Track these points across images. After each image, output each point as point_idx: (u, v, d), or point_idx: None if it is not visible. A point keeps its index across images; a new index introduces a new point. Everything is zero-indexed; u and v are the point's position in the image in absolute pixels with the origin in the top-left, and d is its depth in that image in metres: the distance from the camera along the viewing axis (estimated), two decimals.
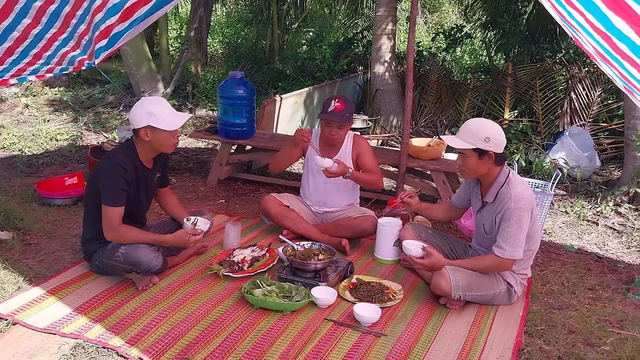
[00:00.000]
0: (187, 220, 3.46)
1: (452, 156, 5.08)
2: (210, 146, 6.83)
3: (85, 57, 4.71)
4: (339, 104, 3.93)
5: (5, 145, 6.44)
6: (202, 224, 3.47)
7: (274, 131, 6.12)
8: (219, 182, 5.50)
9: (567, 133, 6.07)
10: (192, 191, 5.28)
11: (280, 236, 3.75)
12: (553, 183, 4.66)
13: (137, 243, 3.24)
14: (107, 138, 6.90)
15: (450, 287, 3.19)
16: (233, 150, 5.63)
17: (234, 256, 3.66)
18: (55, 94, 9.18)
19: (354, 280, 3.54)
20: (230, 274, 3.49)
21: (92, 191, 3.31)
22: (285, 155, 4.16)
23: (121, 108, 8.22)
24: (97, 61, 4.87)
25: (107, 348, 2.79)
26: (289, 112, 6.40)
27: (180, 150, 6.63)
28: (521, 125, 6.83)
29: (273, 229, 4.26)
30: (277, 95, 6.19)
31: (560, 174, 4.85)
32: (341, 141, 4.08)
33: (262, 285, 3.23)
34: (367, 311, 3.10)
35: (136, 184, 3.34)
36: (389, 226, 3.86)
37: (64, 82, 9.66)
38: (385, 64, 7.45)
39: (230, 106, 5.21)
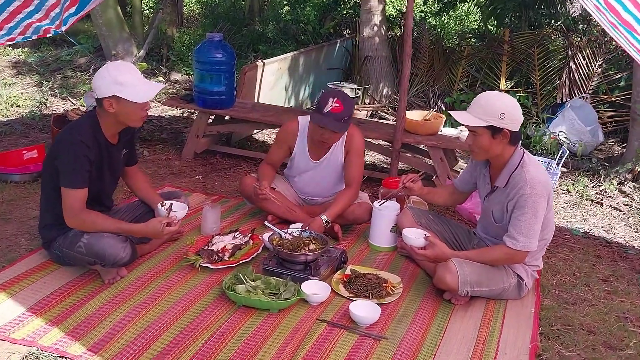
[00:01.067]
0: (162, 205, 3.04)
1: (451, 131, 4.70)
2: (186, 114, 6.34)
3: (52, 26, 4.26)
4: (337, 104, 3.34)
5: None
6: (179, 209, 3.06)
7: (256, 100, 5.66)
8: (196, 155, 5.05)
9: (568, 105, 5.72)
10: (165, 166, 4.83)
11: (266, 222, 3.35)
12: (559, 161, 4.31)
13: (102, 232, 2.82)
14: (74, 105, 6.37)
15: (457, 282, 2.85)
16: (211, 121, 5.17)
17: (212, 244, 3.25)
18: (19, 55, 8.54)
19: (348, 271, 3.17)
20: (209, 265, 3.09)
21: (50, 170, 2.86)
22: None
23: (90, 72, 7.63)
24: (64, 28, 4.41)
25: (66, 358, 2.40)
26: (272, 79, 5.93)
27: (153, 119, 6.14)
28: (518, 97, 6.45)
29: (256, 211, 3.86)
30: (259, 60, 5.70)
31: (568, 151, 4.52)
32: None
33: (246, 280, 2.84)
34: (365, 311, 2.74)
35: (99, 162, 2.90)
36: (385, 210, 3.48)
37: (29, 43, 8.99)
38: (375, 28, 6.98)
39: (208, 72, 4.73)
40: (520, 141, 2.95)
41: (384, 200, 3.40)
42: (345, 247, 3.53)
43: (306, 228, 3.37)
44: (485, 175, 3.07)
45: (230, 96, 4.89)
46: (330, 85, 6.43)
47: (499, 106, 2.79)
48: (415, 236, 3.07)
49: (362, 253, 3.51)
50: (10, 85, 7.08)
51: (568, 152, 4.72)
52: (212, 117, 5.08)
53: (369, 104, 6.96)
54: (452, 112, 3.00)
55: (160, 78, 7.56)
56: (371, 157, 5.36)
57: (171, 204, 3.04)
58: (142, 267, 3.08)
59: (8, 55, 8.54)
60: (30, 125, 5.70)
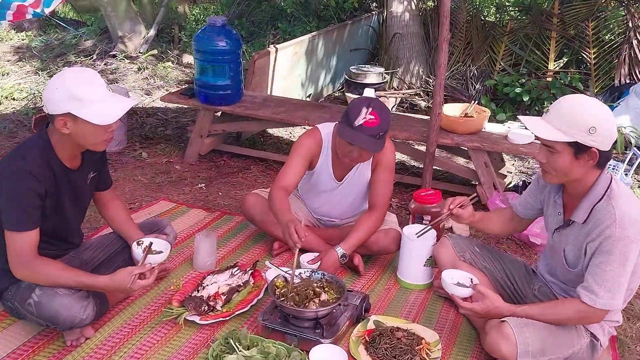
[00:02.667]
0: (138, 244, 2.42)
1: (497, 128, 3.95)
2: (193, 108, 5.71)
3: (27, 3, 3.68)
4: (372, 116, 2.62)
5: None
6: (160, 248, 2.44)
7: (269, 91, 4.98)
8: (200, 157, 4.42)
9: (632, 91, 4.89)
10: (164, 171, 4.21)
11: (267, 262, 2.70)
12: (630, 163, 3.53)
13: (57, 286, 2.21)
14: None
15: (516, 353, 2.16)
16: (218, 116, 4.52)
17: (203, 287, 2.63)
18: (22, 40, 7.99)
19: (370, 324, 2.52)
20: (195, 320, 2.47)
21: None
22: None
23: (95, 57, 7.04)
24: (47, 10, 3.82)
25: None
26: (287, 66, 5.23)
27: (158, 112, 5.53)
28: (569, 79, 5.64)
29: (261, 235, 3.21)
30: (272, 46, 5.00)
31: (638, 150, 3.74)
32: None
33: (237, 347, 2.21)
34: None
35: (56, 194, 2.28)
36: (418, 240, 2.80)
37: (35, 26, 8.43)
38: (405, 2, 6.19)
39: (209, 63, 4.07)
40: (609, 162, 2.22)
41: (422, 230, 2.70)
42: (368, 284, 2.87)
43: (317, 265, 2.72)
44: (557, 202, 2.36)
45: (237, 90, 4.22)
46: (352, 70, 5.69)
47: (589, 117, 2.07)
48: (458, 280, 2.40)
49: (390, 292, 2.85)
50: (7, 74, 6.53)
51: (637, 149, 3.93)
52: (219, 113, 4.43)
53: (398, 88, 6.21)
54: (523, 119, 2.27)
55: (169, 63, 6.91)
56: (399, 155, 4.64)
57: (150, 243, 2.42)
58: (114, 323, 2.47)
59: (11, 39, 8.00)
60: (22, 122, 5.14)
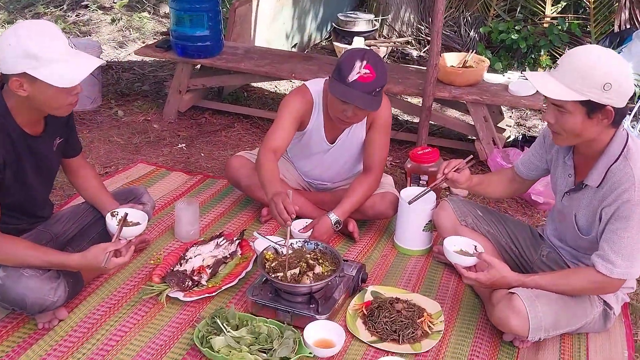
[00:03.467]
0: (112, 216, 2.20)
1: (496, 78, 3.71)
2: (171, 61, 5.37)
3: None
4: (367, 70, 2.37)
5: None
6: (136, 219, 2.21)
7: (252, 42, 4.67)
8: (180, 115, 4.15)
9: (635, 36, 4.64)
10: (142, 131, 3.94)
11: (255, 233, 2.49)
12: (637, 115, 3.34)
13: (23, 266, 2.00)
14: None
15: (527, 329, 2.01)
16: (198, 70, 4.23)
17: (186, 260, 2.43)
18: None
19: (368, 296, 2.34)
20: (179, 297, 2.28)
21: None
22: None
23: (65, 8, 6.60)
24: None
25: None
26: (271, 14, 4.89)
27: (134, 66, 5.20)
28: (567, 24, 5.37)
29: (248, 200, 3.00)
30: None
31: None
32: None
33: (225, 327, 2.03)
34: None
35: (17, 164, 2.04)
36: (416, 204, 2.59)
37: None
38: None
39: (186, 12, 3.76)
40: (625, 119, 2.01)
41: (416, 196, 2.49)
42: (364, 251, 2.69)
43: (309, 233, 2.53)
44: (567, 164, 2.15)
45: (217, 41, 3.92)
46: (340, 17, 5.37)
47: (603, 73, 1.84)
48: (460, 248, 2.22)
49: (387, 259, 2.67)
50: None
51: None
52: (199, 66, 4.14)
53: (388, 36, 5.91)
54: (529, 75, 2.03)
55: (145, 14, 6.51)
56: (394, 110, 4.39)
57: (126, 214, 2.20)
58: (90, 302, 2.27)
59: None
60: None
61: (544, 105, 3.24)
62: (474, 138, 3.59)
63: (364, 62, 2.40)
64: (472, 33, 5.66)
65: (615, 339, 2.22)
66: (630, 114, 3.42)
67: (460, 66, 3.61)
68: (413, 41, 5.78)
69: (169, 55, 3.98)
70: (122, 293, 2.33)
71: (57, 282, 2.03)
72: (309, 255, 2.31)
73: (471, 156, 2.42)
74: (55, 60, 1.87)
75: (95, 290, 2.33)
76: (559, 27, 5.33)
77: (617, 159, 1.97)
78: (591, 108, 1.88)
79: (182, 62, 3.94)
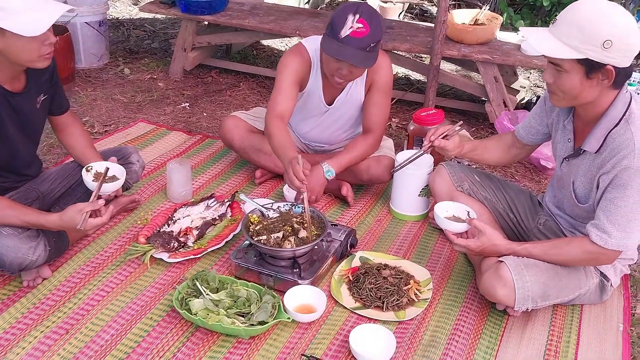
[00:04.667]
0: (87, 171, 2.16)
1: (509, 36, 3.53)
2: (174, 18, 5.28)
3: None
4: (360, 24, 2.26)
5: None
6: (116, 173, 2.17)
7: None
8: (186, 73, 4.09)
9: None
10: (146, 89, 3.89)
11: (241, 195, 2.43)
12: None
13: (3, 225, 1.99)
14: None
15: (513, 298, 1.93)
16: (205, 26, 4.14)
17: (174, 221, 2.40)
18: None
19: (356, 261, 2.29)
20: (163, 258, 2.25)
21: None
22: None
23: None
24: None
25: None
26: None
27: (145, 23, 5.12)
28: None
29: (246, 162, 2.94)
30: None
31: None
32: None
33: (204, 290, 2.00)
34: (371, 346, 1.88)
35: None
36: (411, 168, 2.50)
37: None
38: None
39: None
40: (629, 79, 1.87)
41: (400, 164, 2.38)
42: (358, 215, 2.62)
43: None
44: (567, 127, 2.03)
45: None
46: None
47: (603, 28, 1.70)
48: (453, 214, 2.13)
49: (381, 224, 2.59)
50: None
51: None
52: (206, 22, 4.05)
53: None
54: (525, 31, 1.90)
55: None
56: (402, 69, 4.25)
57: (107, 169, 2.15)
58: (75, 262, 2.26)
59: None
60: None
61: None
62: (486, 99, 3.44)
63: (357, 16, 2.28)
64: None
65: (611, 311, 2.13)
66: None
67: (472, 23, 3.44)
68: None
69: (173, 11, 3.89)
70: (108, 253, 2.32)
71: (36, 241, 2.02)
72: (295, 219, 2.25)
73: (460, 122, 2.31)
74: (21, 10, 1.82)
75: (81, 250, 2.32)
76: None
77: (618, 123, 1.84)
78: (590, 67, 1.75)
79: (186, 18, 3.85)
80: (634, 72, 3.26)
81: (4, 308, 2.04)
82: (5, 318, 1.99)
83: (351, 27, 2.28)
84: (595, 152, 1.89)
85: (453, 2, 5.50)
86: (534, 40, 1.81)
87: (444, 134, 2.24)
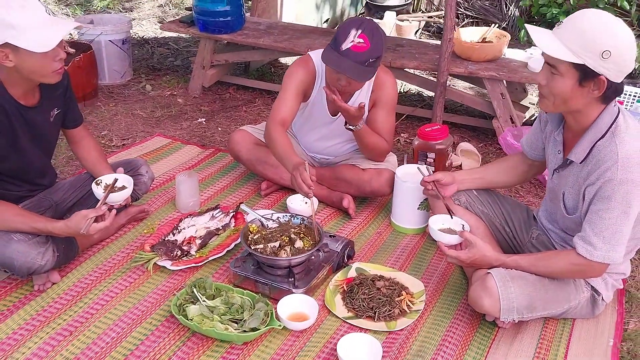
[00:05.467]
0: (97, 184, 2.28)
1: (517, 54, 3.57)
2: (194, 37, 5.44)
3: None
4: (360, 40, 2.33)
5: None
6: (122, 183, 2.27)
7: (278, 16, 4.67)
8: (205, 89, 4.23)
9: None
10: (165, 105, 4.04)
11: (242, 205, 2.52)
12: None
13: (12, 231, 2.11)
14: (71, 34, 5.54)
15: (498, 309, 1.96)
16: (225, 45, 4.28)
17: (178, 231, 2.50)
18: None
19: (352, 272, 2.34)
20: (166, 265, 2.35)
21: None
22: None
23: None
24: None
25: None
26: None
27: (169, 41, 5.31)
28: None
29: (254, 174, 3.03)
30: None
31: None
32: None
33: (200, 297, 2.08)
34: (357, 354, 1.93)
35: (11, 133, 2.15)
36: (410, 182, 2.56)
37: None
38: None
39: None
40: (619, 96, 1.91)
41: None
42: (358, 228, 2.68)
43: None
44: (557, 139, 2.07)
45: (238, 16, 3.95)
46: None
47: (606, 39, 1.75)
48: (449, 226, 2.18)
49: (381, 236, 2.65)
50: None
51: None
52: (225, 41, 4.18)
53: (426, 11, 5.77)
54: (530, 28, 1.93)
55: None
56: (413, 87, 4.30)
57: (115, 180, 2.26)
58: (84, 268, 2.38)
59: None
60: None
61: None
62: (492, 116, 3.48)
63: (359, 31, 2.36)
64: (512, 7, 5.44)
65: (603, 326, 2.14)
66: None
67: (480, 41, 3.49)
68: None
69: (192, 30, 4.04)
70: (115, 260, 2.43)
71: (45, 247, 2.14)
72: (293, 230, 2.33)
73: (450, 160, 2.35)
74: (32, 27, 1.94)
75: (90, 257, 2.44)
76: (605, 0, 5.03)
77: (604, 135, 1.87)
78: (585, 74, 1.79)
79: (204, 37, 4.00)
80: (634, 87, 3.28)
81: (15, 310, 2.16)
82: (15, 319, 2.11)
83: (352, 41, 2.35)
84: (581, 162, 1.92)
85: (471, 20, 5.55)
86: (539, 38, 1.85)
87: (439, 180, 2.30)
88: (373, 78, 2.56)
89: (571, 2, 5.08)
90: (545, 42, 1.82)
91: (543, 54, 1.86)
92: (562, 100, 1.87)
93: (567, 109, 1.91)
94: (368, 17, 3.91)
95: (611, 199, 1.83)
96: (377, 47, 2.39)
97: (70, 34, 4.59)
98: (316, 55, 2.65)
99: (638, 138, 1.85)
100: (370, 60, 2.39)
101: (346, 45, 2.36)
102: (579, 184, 1.95)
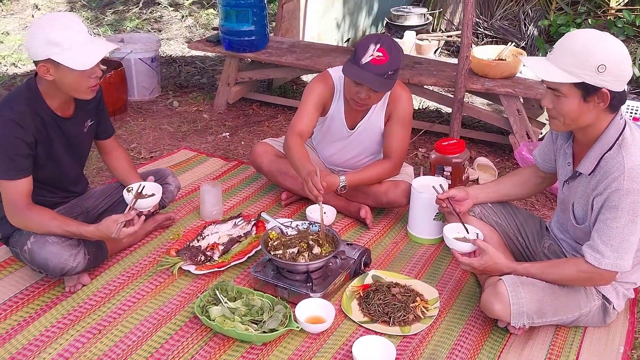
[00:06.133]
0: (128, 191, 2.40)
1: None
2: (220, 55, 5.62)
3: None
4: (380, 53, 2.46)
5: None
6: (152, 191, 2.39)
7: (301, 36, 4.81)
8: (229, 105, 4.37)
9: None
10: (192, 120, 4.19)
11: (263, 214, 2.62)
12: None
13: (48, 233, 2.24)
14: None
15: (509, 313, 2.03)
16: (249, 63, 4.44)
17: (203, 237, 2.61)
18: None
19: (369, 279, 2.42)
20: (190, 270, 2.46)
21: None
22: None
23: (141, 5, 7.05)
24: None
25: None
26: (320, 9, 5.02)
27: (196, 60, 5.49)
28: (633, 17, 5.12)
29: (275, 185, 3.14)
30: None
31: None
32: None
33: (222, 299, 2.18)
34: (371, 355, 2.00)
35: (48, 142, 2.29)
36: (426, 193, 2.64)
37: None
38: None
39: (233, 8, 3.96)
40: (623, 106, 1.98)
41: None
42: (376, 237, 2.76)
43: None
44: (567, 152, 2.14)
45: (262, 35, 4.10)
46: (393, 12, 5.41)
47: (597, 54, 1.83)
48: (464, 235, 2.25)
49: (397, 246, 2.73)
50: None
51: None
52: (250, 60, 4.34)
53: (446, 30, 5.87)
54: (525, 59, 2.04)
55: (212, 10, 6.81)
56: (431, 103, 4.40)
57: (143, 187, 2.38)
58: (112, 271, 2.50)
59: None
60: None
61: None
62: (509, 132, 3.55)
63: (378, 46, 2.48)
64: (531, 27, 5.52)
65: (613, 335, 2.18)
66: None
67: (497, 59, 3.58)
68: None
69: (217, 49, 4.20)
70: (142, 265, 2.55)
71: (77, 250, 2.26)
72: (311, 237, 2.42)
73: (466, 175, 2.43)
74: (74, 46, 2.09)
75: (118, 261, 2.56)
76: (624, 21, 5.10)
77: (611, 147, 1.94)
78: (586, 91, 1.87)
79: (230, 55, 4.15)
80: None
81: (47, 309, 2.28)
82: (47, 318, 2.23)
83: (372, 55, 2.47)
84: (590, 174, 1.99)
85: (490, 39, 5.64)
86: (535, 67, 1.95)
87: (454, 197, 2.37)
88: (388, 92, 2.67)
89: (589, 22, 5.18)
90: (542, 69, 1.91)
91: (543, 81, 1.95)
92: (571, 119, 1.94)
93: (577, 126, 1.98)
94: (386, 34, 4.03)
95: (618, 209, 1.89)
96: (395, 59, 2.50)
97: None
98: (335, 71, 2.77)
99: None
100: (390, 72, 2.50)
101: (366, 58, 2.47)
102: (587, 195, 2.02)
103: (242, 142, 3.87)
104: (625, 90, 1.94)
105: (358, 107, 2.68)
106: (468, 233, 2.26)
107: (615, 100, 1.91)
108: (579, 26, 5.14)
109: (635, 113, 3.39)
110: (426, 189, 2.66)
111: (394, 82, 2.58)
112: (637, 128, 2.00)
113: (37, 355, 2.06)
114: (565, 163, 2.15)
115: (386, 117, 2.77)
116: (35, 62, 2.15)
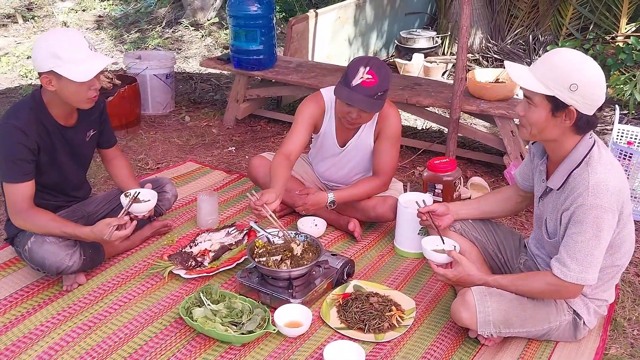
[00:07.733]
0: (125, 196, 2.54)
1: None
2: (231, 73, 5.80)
3: None
4: (369, 75, 2.58)
5: (23, 73, 5.80)
6: (147, 197, 2.52)
7: (310, 56, 4.97)
8: (238, 121, 4.53)
9: None
10: (201, 134, 4.35)
11: (251, 223, 2.74)
12: None
13: (46, 234, 2.40)
14: (123, 68, 5.94)
15: (475, 322, 2.10)
16: (259, 81, 4.60)
17: (195, 244, 2.73)
18: (105, 9, 8.44)
19: (350, 288, 2.51)
20: (180, 274, 2.58)
21: None
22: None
23: (164, 24, 7.31)
24: None
25: None
26: (329, 32, 5.18)
27: (212, 78, 5.69)
28: None
29: None
30: (312, 10, 4.96)
31: None
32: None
33: (206, 301, 2.30)
34: (340, 357, 2.09)
35: (51, 149, 2.45)
36: (412, 208, 2.73)
37: None
38: None
39: (242, 28, 4.12)
40: (592, 130, 2.06)
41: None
42: (362, 250, 2.86)
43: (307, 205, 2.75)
44: (541, 169, 2.23)
45: (270, 55, 4.25)
46: (402, 35, 5.54)
47: (574, 73, 1.93)
48: (443, 248, 2.33)
49: (383, 259, 2.82)
50: None
51: None
52: (259, 78, 4.50)
53: (454, 53, 5.97)
54: (507, 64, 2.12)
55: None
56: (429, 123, 4.48)
57: (138, 193, 2.52)
58: (107, 273, 2.64)
59: (94, 8, 8.47)
60: None
61: None
62: (504, 152, 3.62)
63: (367, 68, 2.59)
64: (542, 52, 5.59)
65: (583, 350, 2.22)
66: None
67: (494, 81, 3.67)
68: (480, 58, 5.81)
69: (227, 67, 4.37)
70: (137, 268, 2.68)
71: (73, 250, 2.41)
72: (295, 246, 2.53)
73: (423, 199, 2.55)
74: (75, 60, 2.25)
75: (114, 264, 2.70)
76: (633, 47, 5.14)
77: (579, 164, 2.02)
78: (556, 105, 1.96)
79: (239, 73, 4.31)
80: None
81: (44, 305, 2.42)
82: (43, 313, 2.37)
83: (361, 77, 2.59)
84: (558, 190, 2.07)
85: (500, 63, 5.72)
86: (513, 72, 2.05)
87: (434, 211, 2.46)
88: (378, 116, 2.78)
89: (597, 48, 5.23)
90: (520, 75, 2.01)
91: (521, 87, 2.05)
92: (537, 130, 2.03)
93: (542, 138, 2.07)
94: (375, 57, 4.17)
95: (583, 223, 1.97)
96: (384, 81, 2.61)
97: (122, 67, 5.00)
98: (327, 91, 2.90)
99: (609, 168, 1.99)
100: (379, 93, 2.61)
101: (356, 81, 2.59)
102: (557, 210, 2.10)
103: (247, 157, 4.01)
104: (596, 115, 2.02)
105: (349, 126, 2.79)
106: (445, 245, 2.34)
107: (582, 122, 1.99)
108: (586, 51, 5.20)
109: (633, 139, 3.42)
110: (411, 204, 2.75)
111: (384, 102, 2.70)
112: (606, 147, 2.08)
113: (29, 347, 2.19)
114: (540, 180, 2.23)
115: (375, 134, 2.88)
116: (40, 74, 2.32)
